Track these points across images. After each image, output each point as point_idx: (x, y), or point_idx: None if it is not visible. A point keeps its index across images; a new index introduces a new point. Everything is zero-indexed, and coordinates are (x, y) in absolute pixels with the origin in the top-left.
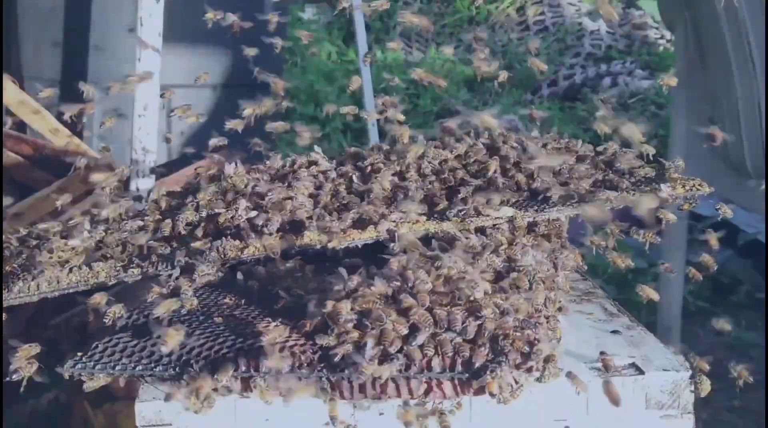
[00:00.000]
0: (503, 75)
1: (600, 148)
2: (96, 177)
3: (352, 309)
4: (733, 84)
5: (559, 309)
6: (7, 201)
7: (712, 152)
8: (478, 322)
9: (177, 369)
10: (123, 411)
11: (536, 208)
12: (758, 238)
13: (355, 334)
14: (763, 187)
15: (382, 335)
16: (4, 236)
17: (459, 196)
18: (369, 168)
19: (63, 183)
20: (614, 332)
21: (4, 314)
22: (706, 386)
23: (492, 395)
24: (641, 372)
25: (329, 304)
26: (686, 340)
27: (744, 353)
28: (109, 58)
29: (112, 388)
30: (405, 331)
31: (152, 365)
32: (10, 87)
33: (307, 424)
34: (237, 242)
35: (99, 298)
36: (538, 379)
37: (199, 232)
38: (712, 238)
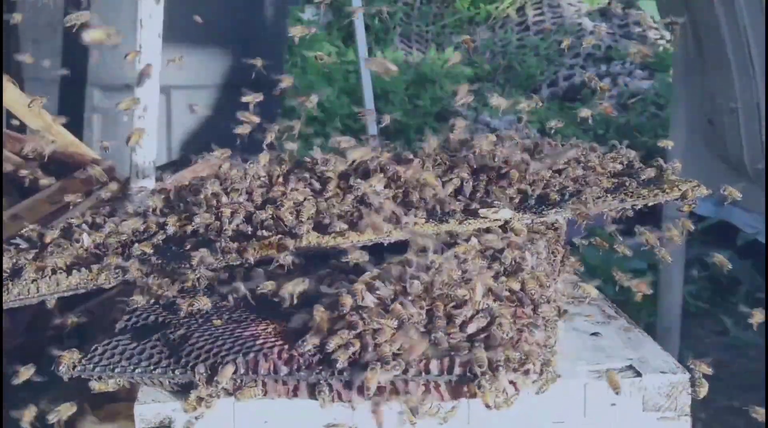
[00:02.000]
0: None
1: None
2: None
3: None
4: (732, 84)
5: (560, 312)
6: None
7: (711, 153)
8: (477, 325)
9: (176, 372)
10: (123, 412)
11: (534, 210)
12: (758, 239)
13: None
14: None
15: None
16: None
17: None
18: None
19: (62, 184)
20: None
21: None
22: (703, 389)
23: (488, 407)
24: (639, 375)
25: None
26: (686, 341)
27: (743, 353)
28: (108, 59)
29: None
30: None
31: (151, 368)
32: (10, 88)
33: (305, 426)
34: (236, 245)
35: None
36: (536, 383)
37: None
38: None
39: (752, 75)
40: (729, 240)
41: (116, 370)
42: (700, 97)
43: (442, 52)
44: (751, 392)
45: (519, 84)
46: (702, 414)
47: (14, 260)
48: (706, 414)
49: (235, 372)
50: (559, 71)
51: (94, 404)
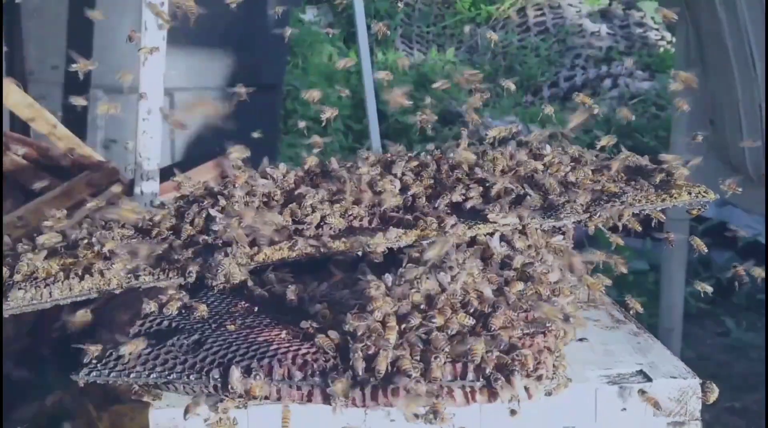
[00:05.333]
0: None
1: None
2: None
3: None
4: (733, 85)
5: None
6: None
7: (712, 154)
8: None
9: (191, 377)
10: (128, 414)
11: (542, 215)
12: (758, 240)
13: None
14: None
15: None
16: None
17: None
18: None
19: (67, 186)
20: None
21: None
22: (713, 393)
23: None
24: (649, 380)
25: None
26: (687, 341)
27: (744, 354)
28: (112, 61)
29: (117, 390)
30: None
31: (166, 373)
32: (14, 90)
33: None
34: (248, 249)
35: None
36: (548, 392)
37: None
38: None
39: (753, 76)
40: (730, 242)
41: (131, 375)
42: (701, 98)
43: (443, 53)
44: (752, 393)
45: (520, 85)
46: (705, 414)
47: (25, 264)
48: (708, 414)
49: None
50: (560, 72)
51: (99, 405)
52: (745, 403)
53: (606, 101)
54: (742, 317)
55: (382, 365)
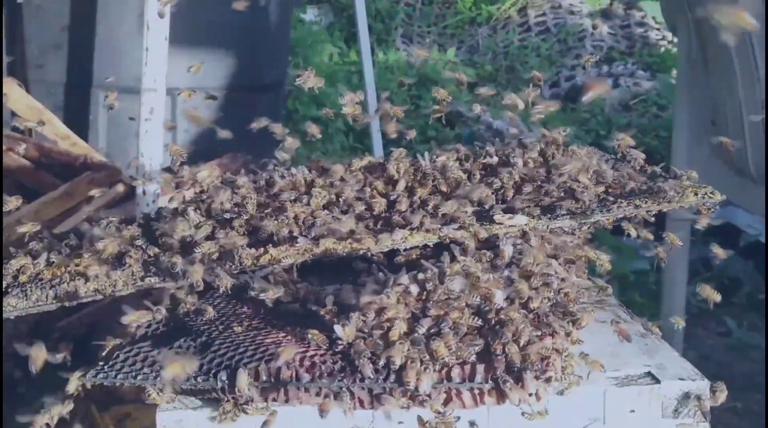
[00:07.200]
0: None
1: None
2: None
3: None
4: (735, 86)
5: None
6: (11, 204)
7: (714, 154)
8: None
9: (198, 379)
10: (130, 414)
11: (549, 215)
12: (759, 240)
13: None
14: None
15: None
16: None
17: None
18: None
19: (69, 187)
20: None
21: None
22: (722, 395)
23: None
24: (657, 381)
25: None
26: (688, 342)
27: (746, 354)
28: (114, 61)
29: (120, 391)
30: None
31: None
32: (16, 90)
33: None
34: (253, 250)
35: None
36: (560, 392)
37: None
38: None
39: (755, 76)
40: (731, 242)
41: (138, 377)
42: (703, 98)
43: (444, 53)
44: (753, 393)
45: (520, 84)
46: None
47: (30, 265)
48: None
49: (257, 379)
50: (561, 72)
51: (101, 406)
52: (747, 403)
53: (606, 101)
54: (743, 317)
55: (397, 358)
